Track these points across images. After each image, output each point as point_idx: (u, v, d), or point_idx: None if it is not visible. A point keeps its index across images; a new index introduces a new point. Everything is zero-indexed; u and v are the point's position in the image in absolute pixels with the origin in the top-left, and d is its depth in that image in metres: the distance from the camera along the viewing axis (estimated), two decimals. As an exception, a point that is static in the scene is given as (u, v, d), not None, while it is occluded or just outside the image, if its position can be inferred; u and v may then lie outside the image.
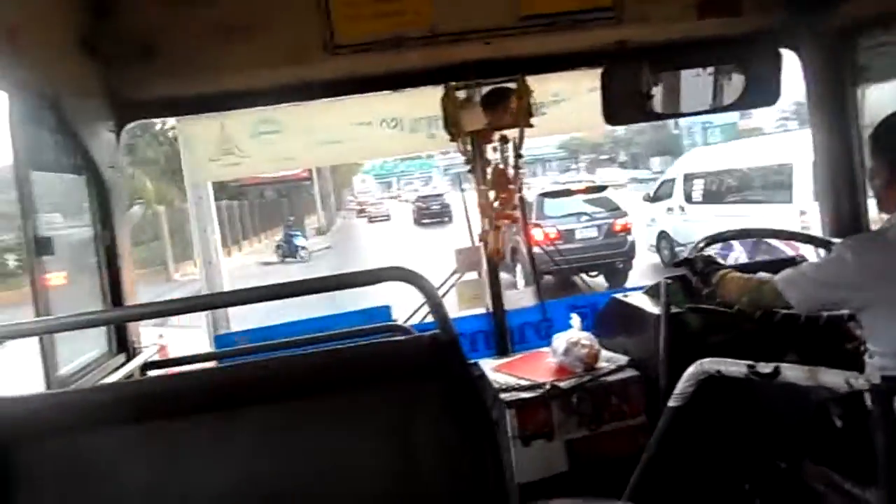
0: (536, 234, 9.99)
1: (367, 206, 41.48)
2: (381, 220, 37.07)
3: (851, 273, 1.74)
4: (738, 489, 2.15)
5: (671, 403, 1.95)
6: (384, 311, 2.80)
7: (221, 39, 2.23)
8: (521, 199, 2.82)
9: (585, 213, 11.64)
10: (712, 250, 2.39)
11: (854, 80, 2.48)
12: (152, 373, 2.34)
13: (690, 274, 2.30)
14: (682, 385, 1.91)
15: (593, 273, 11.26)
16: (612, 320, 2.65)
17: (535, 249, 7.78)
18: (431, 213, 31.78)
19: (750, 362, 1.78)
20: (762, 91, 2.65)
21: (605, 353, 2.51)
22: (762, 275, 2.05)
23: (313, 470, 1.33)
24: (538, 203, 11.80)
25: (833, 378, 1.62)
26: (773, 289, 1.93)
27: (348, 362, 1.42)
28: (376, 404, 1.36)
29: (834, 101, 2.54)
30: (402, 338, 1.82)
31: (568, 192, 12.36)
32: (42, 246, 1.93)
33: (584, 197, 12.03)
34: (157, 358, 2.42)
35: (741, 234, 2.35)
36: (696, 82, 2.67)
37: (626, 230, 11.80)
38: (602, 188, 13.07)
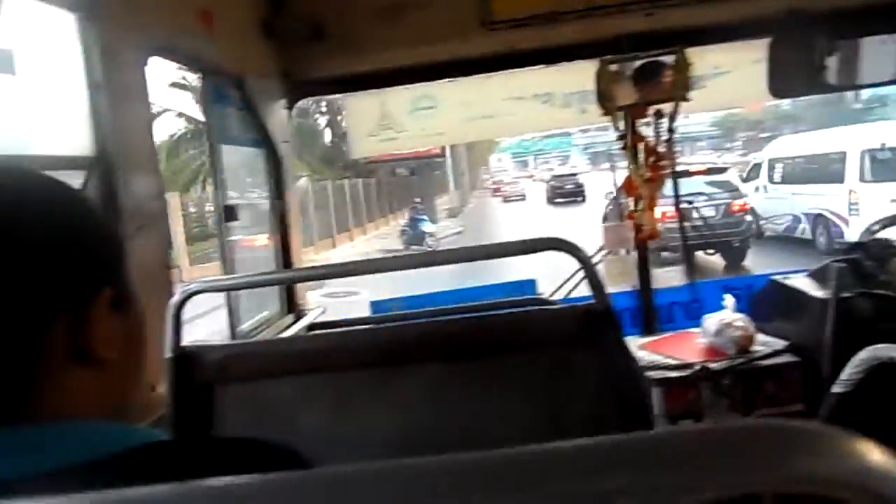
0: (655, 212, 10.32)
1: (503, 186, 40.93)
2: (516, 200, 36.59)
3: None
4: None
5: (835, 389, 1.85)
6: (530, 284, 2.85)
7: (383, 19, 2.35)
8: (675, 176, 2.75)
9: (704, 193, 11.69)
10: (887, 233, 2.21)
11: None
12: (317, 333, 2.55)
13: (865, 259, 2.15)
14: (850, 371, 1.81)
15: (710, 251, 11.32)
16: (769, 303, 2.54)
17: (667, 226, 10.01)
18: (565, 193, 31.25)
19: None
20: None
21: (760, 337, 2.41)
22: None
23: (468, 425, 1.42)
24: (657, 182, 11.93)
25: None
26: None
27: (504, 328, 1.49)
28: (529, 369, 1.41)
29: None
30: (557, 307, 1.86)
31: (687, 174, 12.01)
32: (229, 213, 2.16)
33: (704, 178, 12.10)
34: (320, 320, 2.62)
35: None
36: (878, 50, 2.47)
37: (744, 210, 12.18)
38: (723, 170, 13.94)
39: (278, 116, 2.53)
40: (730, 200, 12.14)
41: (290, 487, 0.36)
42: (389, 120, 2.88)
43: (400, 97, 2.92)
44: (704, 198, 11.61)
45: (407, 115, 2.91)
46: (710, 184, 12.20)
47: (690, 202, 10.96)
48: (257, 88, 2.35)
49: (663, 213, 9.53)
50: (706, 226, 10.69)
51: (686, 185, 11.78)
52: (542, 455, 0.38)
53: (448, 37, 2.41)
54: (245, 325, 2.25)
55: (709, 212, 11.41)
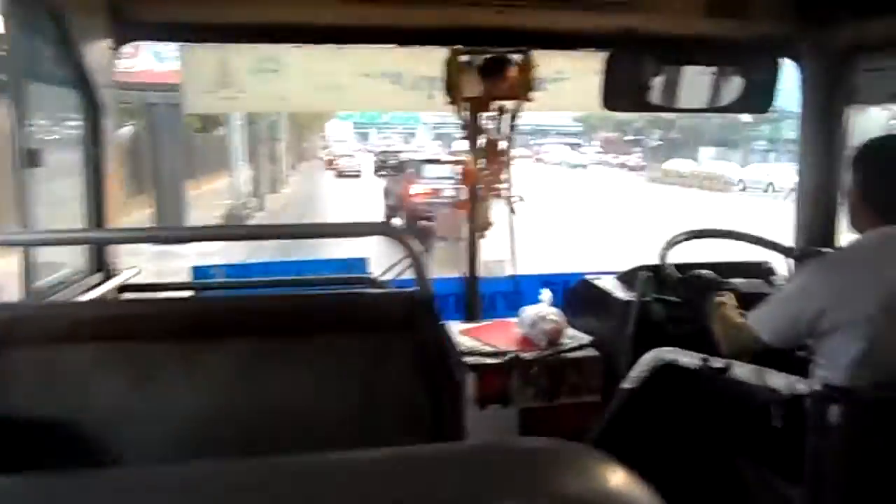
0: (416, 189, 14.67)
1: (338, 159, 35.96)
2: (351, 176, 32.38)
3: (820, 298, 1.79)
4: (676, 476, 2.26)
5: (624, 385, 2.04)
6: (360, 263, 2.85)
7: None
8: (509, 172, 2.86)
9: (451, 177, 13.96)
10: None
11: (849, 98, 2.53)
12: (127, 295, 2.37)
13: (665, 268, 2.33)
14: (638, 369, 2.00)
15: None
16: (580, 300, 2.73)
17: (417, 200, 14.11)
18: (389, 167, 30.26)
19: (704, 356, 1.86)
20: (758, 97, 2.70)
21: (570, 331, 2.59)
22: (737, 320, 2.02)
23: (278, 406, 1.39)
24: (417, 167, 15.79)
25: (778, 381, 1.71)
26: (749, 333, 1.92)
27: (325, 308, 1.47)
28: (346, 351, 1.41)
29: (827, 116, 2.60)
30: (380, 291, 1.87)
31: (440, 161, 16.01)
32: (32, 157, 1.93)
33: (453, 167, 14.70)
34: (134, 281, 2.44)
35: (705, 234, 2.40)
36: (695, 80, 2.70)
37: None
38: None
39: (101, 57, 2.30)
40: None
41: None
42: (229, 78, 2.73)
43: (242, 55, 2.76)
44: (452, 180, 13.95)
45: (249, 74, 2.76)
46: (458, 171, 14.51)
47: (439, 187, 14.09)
48: (78, 24, 2.12)
49: (418, 192, 13.80)
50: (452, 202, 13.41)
51: (440, 170, 14.92)
52: (306, 464, 0.38)
53: (300, 1, 2.31)
54: (41, 282, 2.04)
55: (453, 192, 13.46)
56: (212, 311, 1.47)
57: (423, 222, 12.85)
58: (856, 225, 1.91)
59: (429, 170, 15.33)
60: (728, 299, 2.09)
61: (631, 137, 51.05)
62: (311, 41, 2.59)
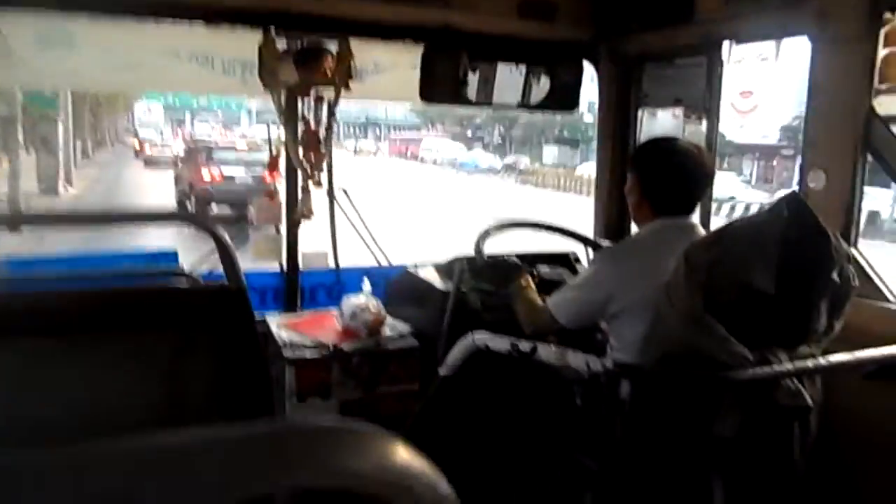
0: (205, 174, 15.06)
1: (151, 147, 31.58)
2: (163, 167, 26.09)
3: (608, 284, 1.97)
4: (488, 457, 2.37)
5: (442, 372, 2.10)
6: (171, 255, 2.66)
7: None
8: (329, 162, 2.82)
9: (244, 163, 15.12)
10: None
11: (637, 101, 2.79)
12: None
13: (490, 279, 2.41)
14: (453, 356, 2.06)
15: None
16: (401, 291, 2.76)
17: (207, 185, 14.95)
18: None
19: (513, 339, 1.96)
20: (565, 96, 2.89)
21: (390, 321, 2.61)
22: (536, 301, 2.17)
23: (79, 408, 1.27)
24: (208, 152, 15.94)
25: (577, 360, 1.86)
26: (548, 315, 2.06)
27: (127, 303, 1.36)
28: (153, 347, 1.32)
29: (619, 116, 2.85)
30: (188, 284, 1.76)
31: (233, 149, 16.66)
32: None
33: (246, 153, 15.99)
34: None
35: (518, 226, 2.54)
36: (509, 78, 2.84)
37: (274, 180, 14.97)
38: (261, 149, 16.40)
39: None
40: (263, 173, 14.22)
41: None
42: (6, 48, 2.41)
43: (25, 25, 2.45)
44: (244, 166, 15.08)
45: (33, 47, 2.46)
46: (250, 155, 15.55)
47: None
48: None
49: (211, 175, 14.51)
50: (244, 189, 13.82)
51: (233, 157, 15.71)
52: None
53: None
54: None
55: (247, 179, 14.78)
56: (6, 308, 1.31)
57: (212, 206, 13.77)
58: (637, 218, 2.12)
59: (222, 155, 15.69)
60: (529, 283, 2.23)
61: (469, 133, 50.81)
62: (108, 11, 2.36)
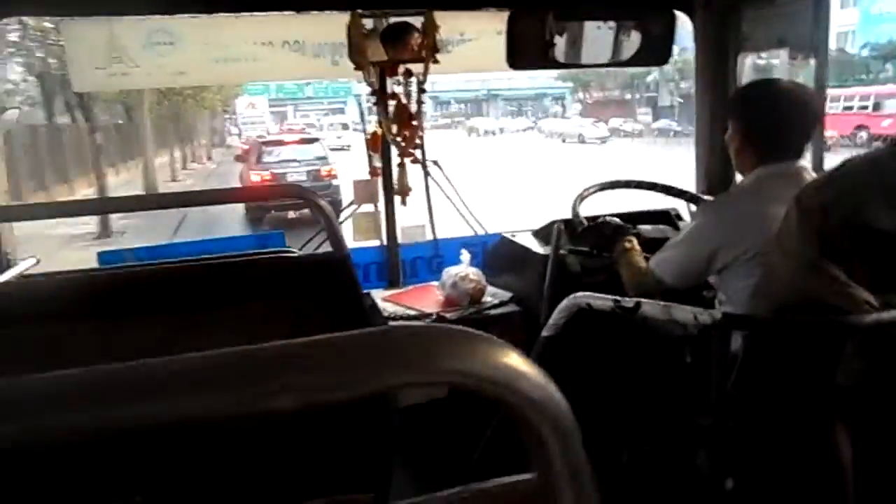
0: (254, 177, 13.47)
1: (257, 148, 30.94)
2: None
3: (713, 237, 1.91)
4: (598, 417, 2.36)
5: (544, 333, 2.10)
6: (278, 237, 2.80)
7: None
8: (421, 136, 2.85)
9: (296, 160, 14.15)
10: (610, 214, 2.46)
11: (737, 48, 2.65)
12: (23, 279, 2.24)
13: (593, 243, 2.37)
14: (555, 316, 2.06)
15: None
16: (499, 258, 2.78)
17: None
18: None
19: (616, 297, 1.94)
20: (656, 49, 2.78)
21: (490, 289, 2.64)
22: (641, 264, 2.12)
23: None
24: (257, 150, 14.89)
25: (683, 314, 1.80)
26: (652, 276, 2.02)
27: (236, 276, 1.44)
28: (264, 319, 1.39)
29: (718, 65, 2.71)
30: (294, 255, 1.85)
31: (282, 143, 15.49)
32: None
33: (297, 146, 14.97)
34: (35, 271, 2.32)
35: (613, 185, 2.49)
36: (597, 35, 2.76)
37: (331, 176, 13.99)
38: (314, 140, 16.06)
39: None
40: (318, 167, 14.13)
41: None
42: (120, 52, 2.59)
43: (132, 28, 2.62)
44: (296, 164, 14.08)
45: (142, 48, 2.63)
46: (303, 151, 14.71)
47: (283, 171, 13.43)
48: None
49: (261, 177, 12.50)
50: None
51: (282, 153, 14.18)
52: (204, 362, 0.40)
53: None
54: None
55: (300, 177, 13.64)
56: (122, 287, 1.42)
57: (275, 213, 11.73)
58: (740, 167, 2.02)
59: (271, 153, 14.52)
60: (633, 244, 2.18)
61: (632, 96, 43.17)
62: (205, 10, 2.48)
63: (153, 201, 1.41)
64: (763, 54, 2.65)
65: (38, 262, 2.36)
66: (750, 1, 2.54)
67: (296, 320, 1.43)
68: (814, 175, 1.91)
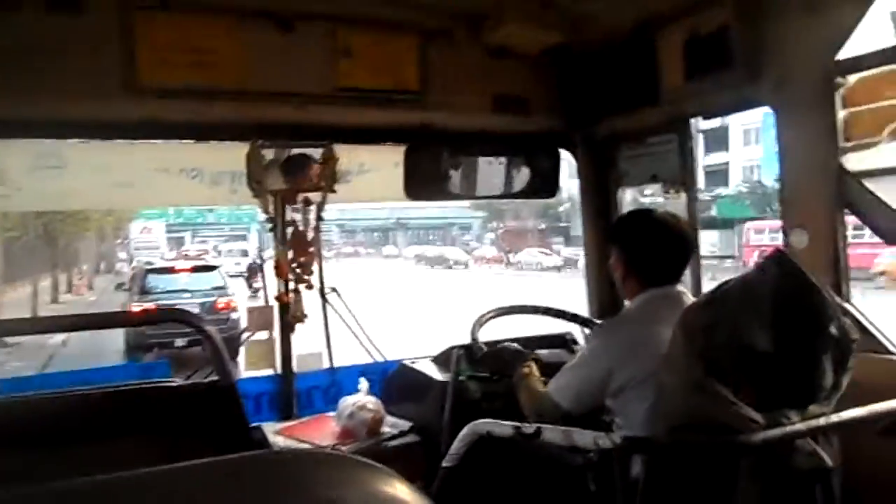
0: (136, 309, 10.80)
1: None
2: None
3: (605, 360, 1.96)
4: None
5: (445, 464, 2.02)
6: (163, 366, 2.63)
7: (7, 60, 2.04)
8: (320, 263, 2.85)
9: (188, 290, 12.41)
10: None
11: (616, 182, 2.87)
12: None
13: (493, 368, 2.36)
14: (456, 445, 2.00)
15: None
16: (398, 386, 2.72)
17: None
18: None
19: (516, 423, 1.92)
20: (545, 183, 2.98)
21: (390, 419, 2.55)
22: (539, 389, 2.14)
23: None
24: (140, 277, 13.22)
25: (584, 438, 1.80)
26: (550, 401, 2.04)
27: (111, 406, 1.33)
28: (138, 454, 1.27)
29: (599, 198, 2.92)
30: (175, 383, 1.73)
31: (172, 270, 13.76)
32: None
33: (191, 275, 13.17)
34: None
35: (510, 311, 2.55)
36: (490, 169, 2.93)
37: (230, 308, 12.23)
38: (212, 267, 14.25)
39: None
40: (215, 298, 12.36)
41: None
42: (2, 175, 2.47)
43: (18, 151, 2.53)
44: (188, 294, 12.23)
45: (25, 172, 2.53)
46: (197, 280, 12.97)
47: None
48: None
49: (143, 309, 8.53)
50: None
51: (173, 282, 12.10)
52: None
53: (84, 94, 2.17)
54: None
55: (192, 309, 10.66)
56: None
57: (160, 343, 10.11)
58: (625, 292, 2.13)
59: (156, 282, 12.86)
60: (532, 370, 2.20)
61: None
62: (101, 137, 2.45)
63: (37, 325, 1.31)
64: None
65: None
66: (624, 140, 2.79)
67: (178, 454, 1.31)
68: (692, 299, 2.04)
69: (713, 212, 32.65)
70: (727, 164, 34.67)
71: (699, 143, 35.47)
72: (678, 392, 1.65)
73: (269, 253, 2.98)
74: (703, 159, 36.45)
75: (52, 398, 1.49)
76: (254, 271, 19.20)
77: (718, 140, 33.02)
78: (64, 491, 0.34)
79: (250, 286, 14.97)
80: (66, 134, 2.42)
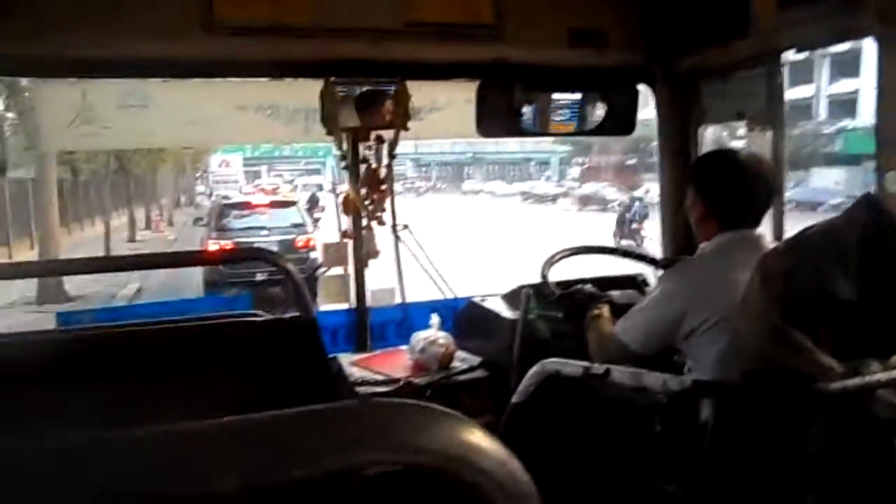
0: (212, 248, 10.37)
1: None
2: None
3: (677, 302, 1.93)
4: (570, 489, 2.31)
5: (514, 400, 2.07)
6: (244, 300, 2.76)
7: (90, 3, 2.11)
8: (392, 200, 2.88)
9: (266, 227, 11.73)
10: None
11: (698, 119, 2.75)
12: None
13: (566, 309, 2.35)
14: (525, 383, 2.04)
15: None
16: (468, 323, 2.77)
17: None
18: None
19: (586, 364, 1.93)
20: (621, 120, 2.88)
21: (460, 354, 2.62)
22: (607, 329, 2.13)
23: None
24: (217, 212, 12.40)
25: (654, 381, 1.80)
26: (617, 344, 2.03)
27: (199, 340, 1.41)
28: (229, 383, 1.35)
29: (679, 135, 2.81)
30: (259, 319, 1.81)
31: (249, 206, 12.80)
32: None
33: (269, 211, 12.38)
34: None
35: (581, 251, 2.52)
36: (563, 105, 2.85)
37: (308, 247, 11.46)
38: (289, 203, 13.36)
39: None
40: (294, 236, 11.67)
41: None
42: (92, 113, 2.59)
43: (104, 90, 2.64)
44: (266, 232, 11.53)
45: (114, 109, 2.64)
46: (275, 217, 12.29)
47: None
48: None
49: (221, 247, 9.32)
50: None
51: (249, 219, 11.52)
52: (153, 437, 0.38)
53: (164, 33, 2.23)
54: None
55: (270, 246, 10.07)
56: (72, 350, 1.38)
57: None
58: (701, 234, 2.07)
59: (234, 220, 12.12)
60: (603, 312, 2.19)
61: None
62: (179, 75, 2.52)
63: (109, 263, 1.38)
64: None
65: None
66: (707, 76, 2.65)
67: (259, 386, 1.40)
68: (773, 243, 1.97)
69: (836, 147, 30.17)
70: (856, 91, 31.17)
71: (824, 70, 33.27)
72: (753, 337, 1.61)
73: (344, 188, 3.03)
74: (828, 87, 33.94)
75: (140, 331, 1.59)
76: (314, 203, 19.47)
77: (846, 65, 30.14)
78: (153, 438, 0.37)
79: (311, 217, 14.77)
80: (147, 73, 2.49)
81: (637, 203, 18.94)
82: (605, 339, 2.10)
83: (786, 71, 2.38)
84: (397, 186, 2.94)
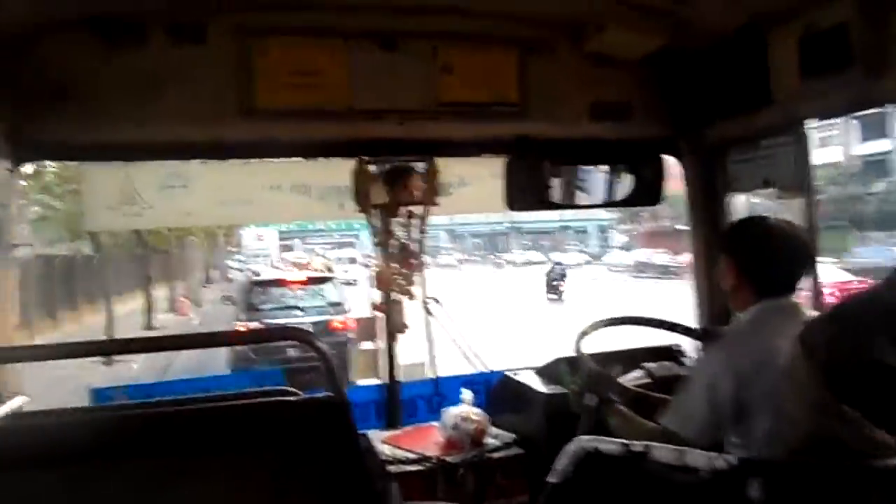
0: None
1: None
2: None
3: (725, 384, 1.86)
4: None
5: (550, 479, 2.00)
6: (276, 374, 2.76)
7: (138, 90, 2.22)
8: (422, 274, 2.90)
9: (299, 307, 10.76)
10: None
11: (725, 187, 2.76)
12: None
13: (592, 397, 2.31)
14: (562, 462, 1.98)
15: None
16: (502, 397, 2.72)
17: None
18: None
19: (624, 441, 1.87)
20: (648, 191, 2.90)
21: (493, 430, 2.56)
22: (646, 426, 2.03)
23: None
24: (246, 290, 11.18)
25: (697, 459, 1.74)
26: (668, 434, 1.91)
27: (232, 419, 1.40)
28: (259, 465, 1.34)
29: (708, 204, 2.81)
30: (291, 399, 1.81)
31: (282, 283, 11.53)
32: None
33: (303, 287, 11.28)
34: (27, 409, 2.26)
35: (617, 322, 2.48)
36: (591, 177, 2.89)
37: (347, 328, 9.99)
38: (325, 279, 12.04)
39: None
40: (331, 317, 10.59)
41: None
42: (134, 194, 2.69)
43: (147, 172, 2.75)
44: (300, 312, 10.55)
45: (156, 190, 2.74)
46: (310, 294, 11.17)
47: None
48: None
49: (247, 327, 8.41)
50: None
51: (281, 297, 10.61)
52: None
53: (206, 118, 2.34)
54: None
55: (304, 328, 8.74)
56: (103, 430, 1.38)
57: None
58: (736, 303, 2.03)
59: (266, 296, 11.04)
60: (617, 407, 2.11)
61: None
62: (218, 157, 2.61)
63: (148, 344, 1.41)
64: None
65: (28, 399, 2.31)
66: (733, 145, 2.67)
67: (290, 465, 1.38)
68: (809, 313, 1.92)
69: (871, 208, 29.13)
70: (889, 152, 30.96)
71: (853, 131, 32.85)
72: (799, 411, 1.56)
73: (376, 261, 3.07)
74: (858, 148, 33.57)
75: (174, 410, 1.59)
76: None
77: (875, 126, 29.71)
78: None
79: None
80: (188, 155, 2.60)
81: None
82: (648, 435, 1.99)
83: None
84: (430, 260, 2.97)
